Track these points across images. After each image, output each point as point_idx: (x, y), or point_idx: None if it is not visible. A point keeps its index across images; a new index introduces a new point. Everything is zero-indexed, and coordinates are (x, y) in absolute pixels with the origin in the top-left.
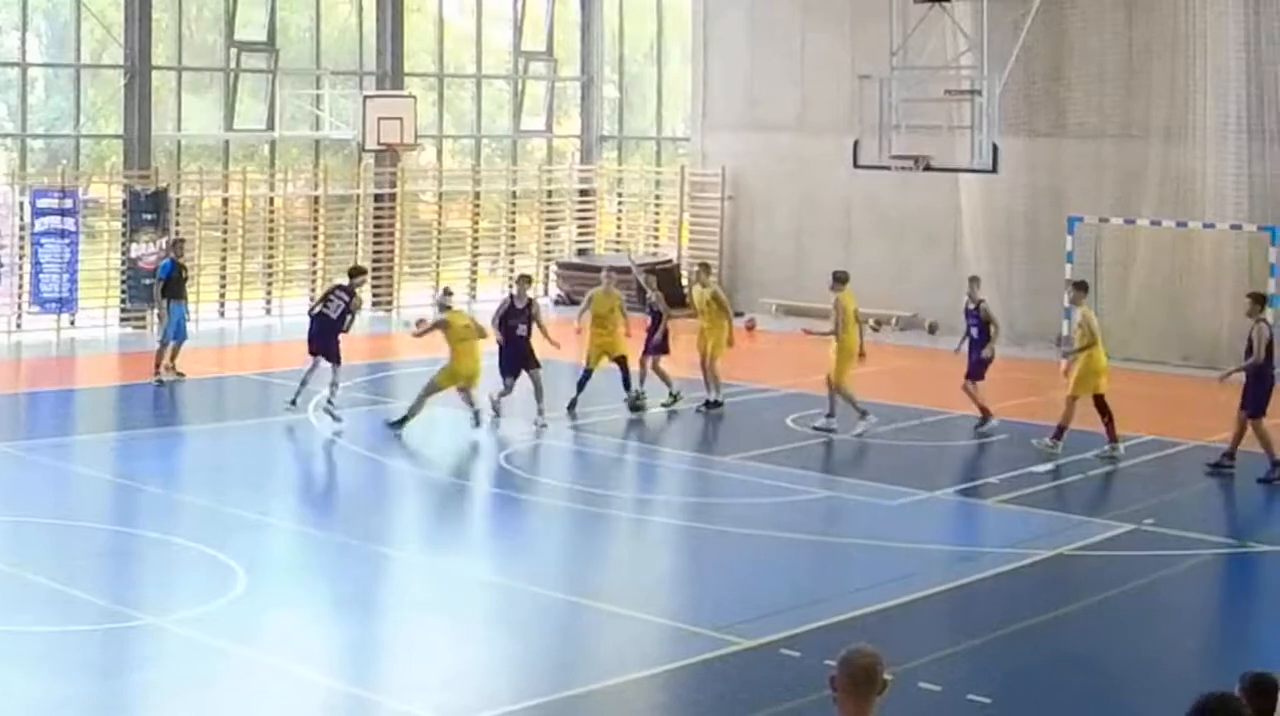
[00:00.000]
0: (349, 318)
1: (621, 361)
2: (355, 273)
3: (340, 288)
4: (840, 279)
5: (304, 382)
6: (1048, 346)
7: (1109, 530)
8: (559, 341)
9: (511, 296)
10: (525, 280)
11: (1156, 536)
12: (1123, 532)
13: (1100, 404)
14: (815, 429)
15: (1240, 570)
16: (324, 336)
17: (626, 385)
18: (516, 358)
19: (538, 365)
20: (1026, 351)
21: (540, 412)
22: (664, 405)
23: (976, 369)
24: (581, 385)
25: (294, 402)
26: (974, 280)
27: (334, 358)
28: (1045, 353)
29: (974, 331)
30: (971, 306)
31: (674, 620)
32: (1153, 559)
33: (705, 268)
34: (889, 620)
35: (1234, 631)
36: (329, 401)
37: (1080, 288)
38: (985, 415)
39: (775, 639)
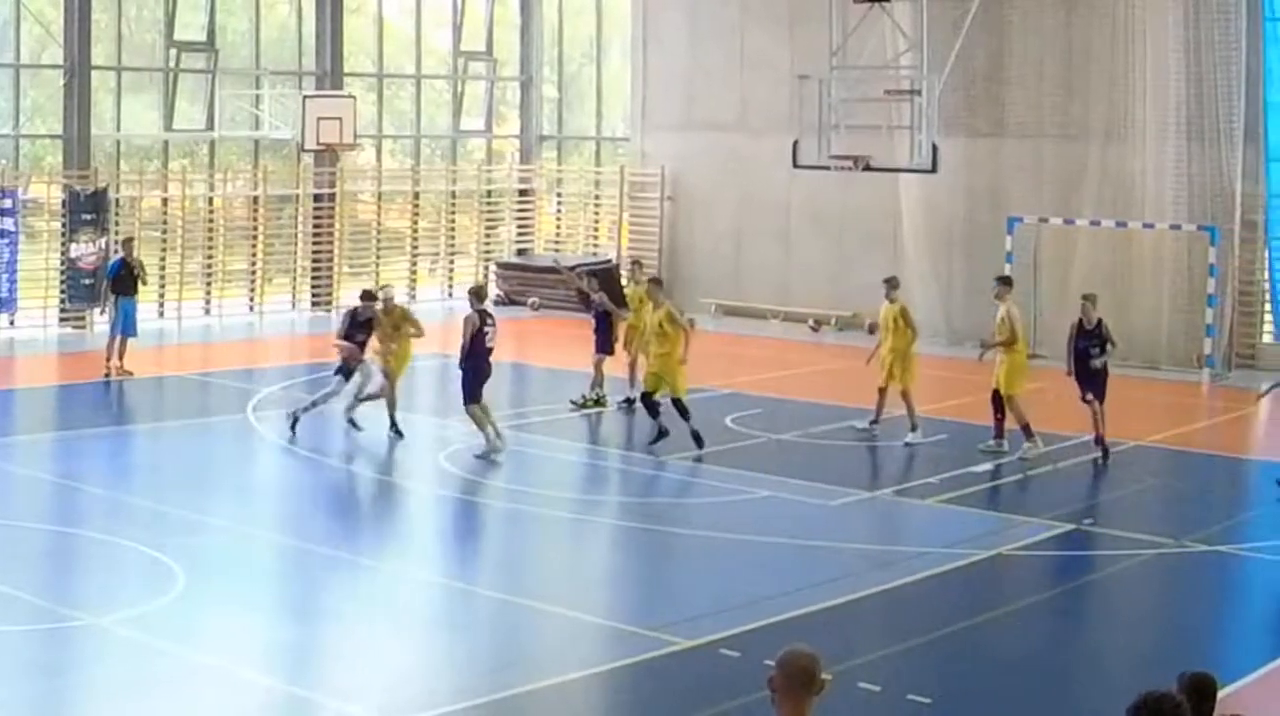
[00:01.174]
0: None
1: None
2: (367, 296)
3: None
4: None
5: (359, 398)
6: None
7: (1048, 530)
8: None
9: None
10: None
11: (1096, 536)
12: (1062, 533)
13: (996, 400)
14: (906, 445)
15: (1179, 570)
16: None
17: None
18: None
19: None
20: (965, 350)
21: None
22: (577, 404)
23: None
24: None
25: (351, 422)
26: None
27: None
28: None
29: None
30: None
31: (613, 620)
32: (1092, 559)
33: (638, 264)
34: (829, 620)
35: (1173, 631)
36: (350, 406)
37: (1005, 283)
38: (1027, 432)
39: (714, 639)
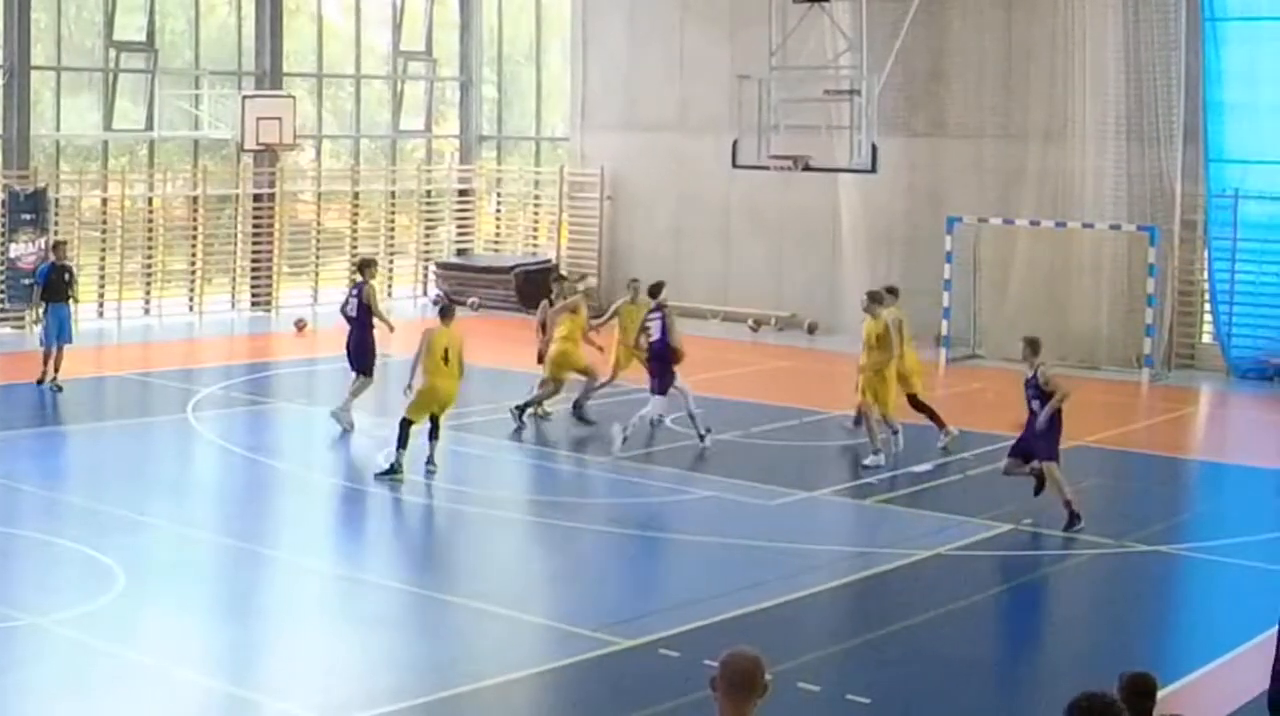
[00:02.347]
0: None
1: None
2: (363, 265)
3: (356, 285)
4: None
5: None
6: (927, 347)
7: (988, 530)
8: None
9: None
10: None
11: (1035, 536)
12: (1002, 532)
13: (915, 402)
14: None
15: (1118, 570)
16: (358, 347)
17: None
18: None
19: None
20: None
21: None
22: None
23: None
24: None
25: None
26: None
27: (364, 369)
28: (925, 353)
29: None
30: (1030, 374)
31: (553, 620)
32: (1031, 559)
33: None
34: (768, 620)
35: (1112, 631)
36: (340, 407)
37: (874, 299)
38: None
39: (654, 639)
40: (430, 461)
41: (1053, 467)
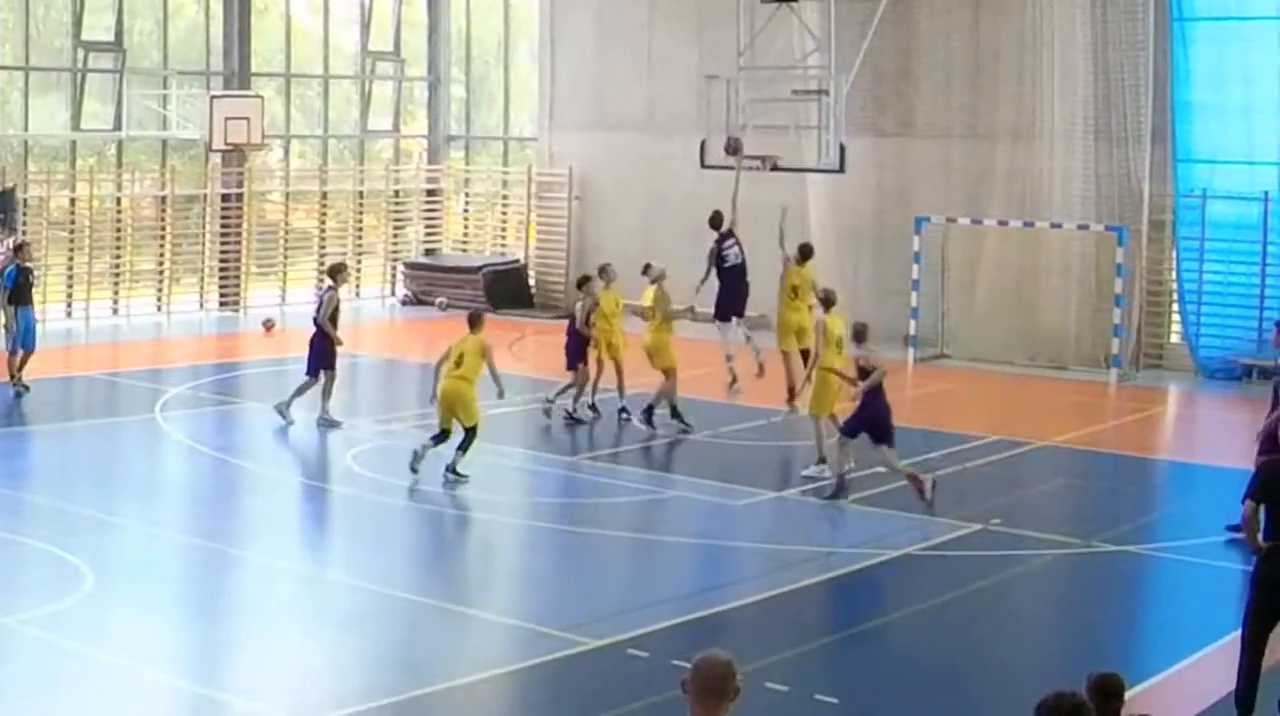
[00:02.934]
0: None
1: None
2: (333, 271)
3: (327, 288)
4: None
5: (299, 394)
6: (896, 347)
7: (956, 530)
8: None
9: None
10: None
11: (1003, 536)
12: (970, 533)
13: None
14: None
15: (1086, 570)
16: (316, 346)
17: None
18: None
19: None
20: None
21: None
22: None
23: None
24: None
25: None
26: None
27: (312, 370)
28: (893, 353)
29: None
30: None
31: (522, 620)
32: (1000, 559)
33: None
34: (737, 620)
35: (1080, 631)
36: (321, 413)
37: (825, 301)
38: None
39: (622, 639)
40: (449, 469)
41: (846, 441)
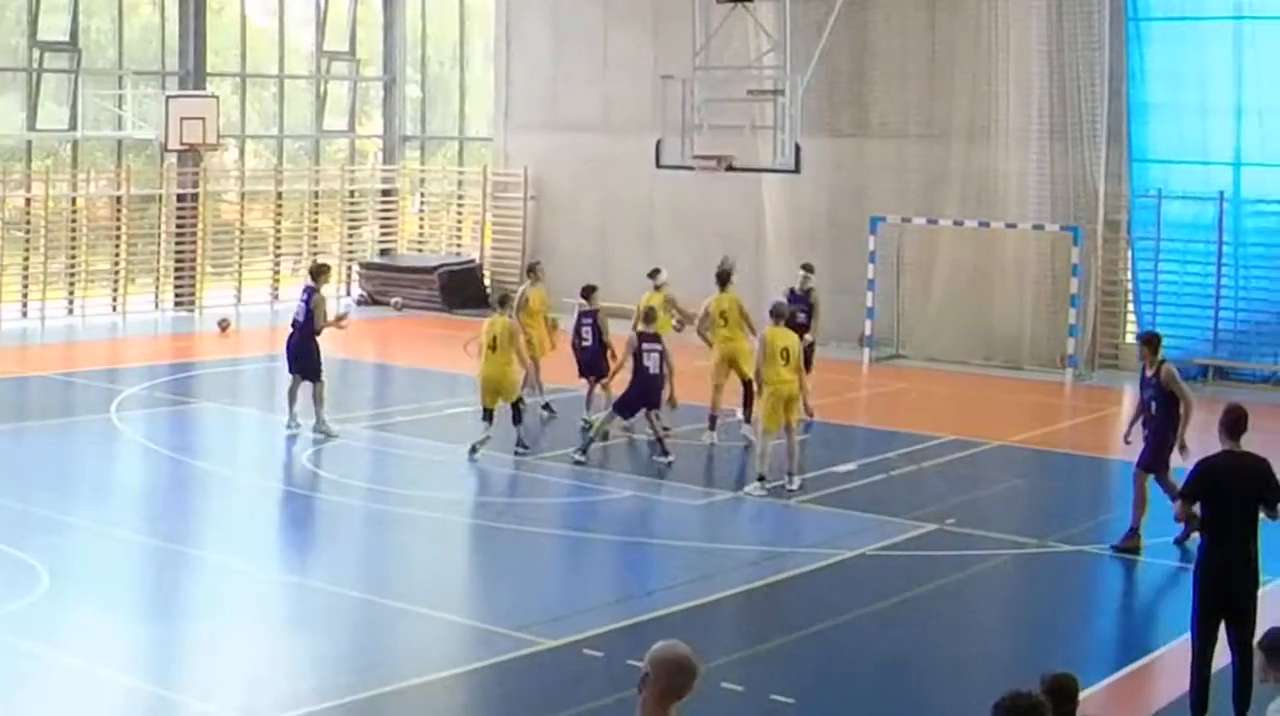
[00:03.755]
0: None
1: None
2: (317, 272)
3: (306, 288)
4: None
5: (291, 400)
6: (851, 346)
7: (911, 530)
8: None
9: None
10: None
11: (958, 536)
12: (925, 532)
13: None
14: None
15: (1041, 569)
16: (299, 350)
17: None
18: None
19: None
20: (829, 351)
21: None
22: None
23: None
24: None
25: (288, 425)
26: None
27: (311, 374)
28: (849, 353)
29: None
30: (1149, 374)
31: (476, 620)
32: (955, 558)
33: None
34: (692, 620)
35: (1036, 631)
36: (317, 422)
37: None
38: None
39: (577, 639)
40: (519, 443)
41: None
